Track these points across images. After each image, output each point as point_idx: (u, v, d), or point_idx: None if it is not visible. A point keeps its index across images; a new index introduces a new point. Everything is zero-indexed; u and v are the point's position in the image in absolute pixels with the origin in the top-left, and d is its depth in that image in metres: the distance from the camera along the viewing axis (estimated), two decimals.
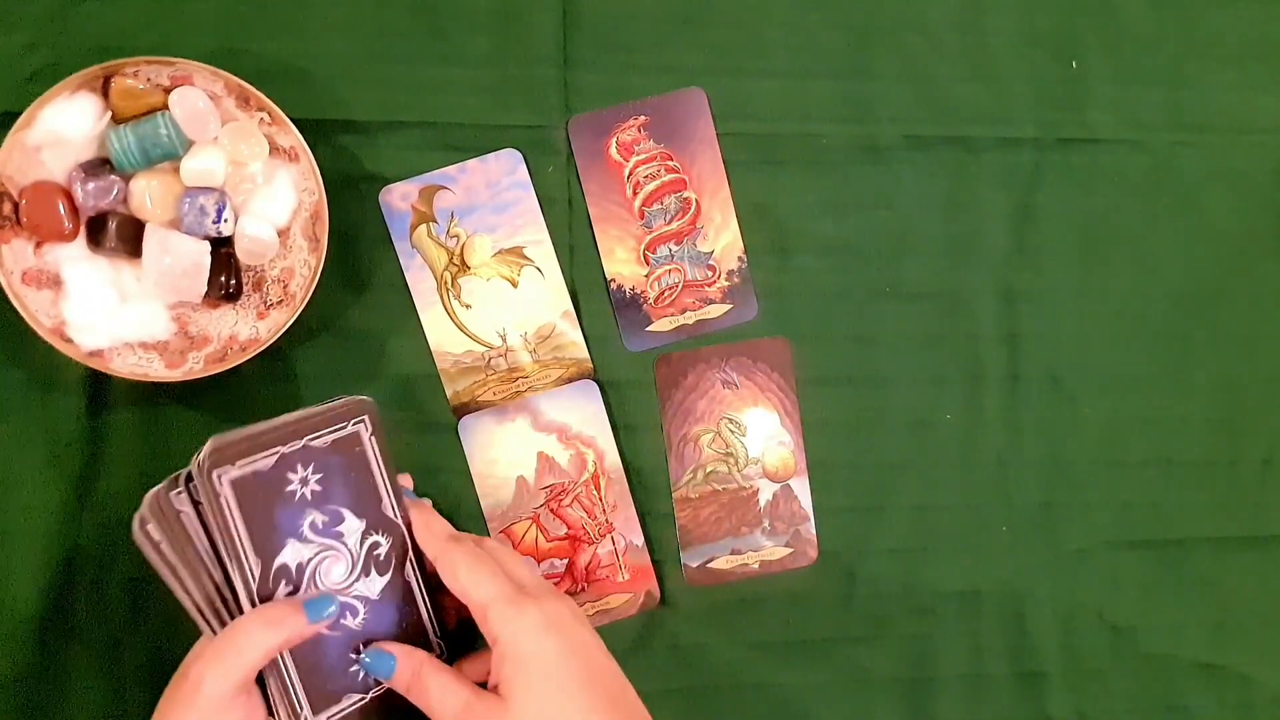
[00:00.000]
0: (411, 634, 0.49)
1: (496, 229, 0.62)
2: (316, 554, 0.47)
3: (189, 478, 0.45)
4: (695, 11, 0.64)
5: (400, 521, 0.50)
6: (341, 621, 0.48)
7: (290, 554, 0.46)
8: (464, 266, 0.62)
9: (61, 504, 0.58)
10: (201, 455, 0.44)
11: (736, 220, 0.64)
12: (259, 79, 0.56)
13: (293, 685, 0.46)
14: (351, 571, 0.48)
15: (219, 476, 0.44)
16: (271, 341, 0.56)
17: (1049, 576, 0.66)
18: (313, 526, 0.47)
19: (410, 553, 0.50)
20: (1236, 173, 0.68)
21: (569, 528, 0.62)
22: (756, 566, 0.63)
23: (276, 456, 0.46)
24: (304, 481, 0.47)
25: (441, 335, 0.61)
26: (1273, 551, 0.68)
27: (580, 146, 0.63)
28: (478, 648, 0.51)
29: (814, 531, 0.64)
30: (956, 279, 0.66)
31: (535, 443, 0.62)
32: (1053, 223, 0.66)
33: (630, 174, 0.63)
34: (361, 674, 0.48)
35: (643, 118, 0.63)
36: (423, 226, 0.61)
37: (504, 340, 0.62)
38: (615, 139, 0.63)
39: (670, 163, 0.63)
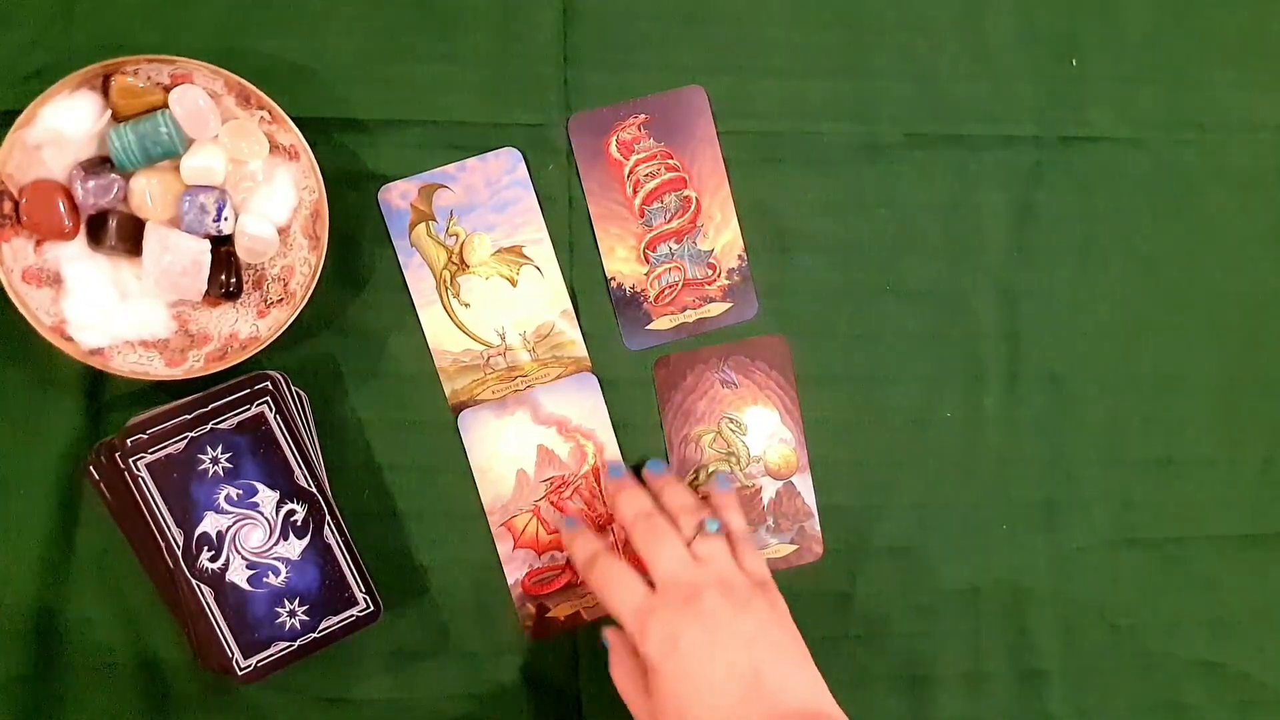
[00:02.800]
0: (335, 589, 0.57)
1: (495, 228, 0.62)
2: (234, 522, 0.55)
3: (109, 451, 0.54)
4: (695, 10, 0.64)
5: (316, 490, 0.56)
6: (265, 580, 0.55)
7: (209, 524, 0.54)
8: (463, 265, 0.61)
9: (61, 503, 0.57)
10: (118, 444, 0.53)
11: (737, 219, 0.64)
12: (259, 77, 0.56)
13: (223, 633, 0.55)
14: (270, 536, 0.55)
15: (136, 462, 0.53)
16: (272, 340, 0.56)
17: (1049, 574, 0.66)
18: (228, 499, 0.55)
19: (328, 516, 0.56)
20: (1237, 171, 0.68)
21: None
22: None
23: (186, 441, 0.54)
24: (215, 460, 0.54)
25: (440, 334, 0.61)
26: (1273, 550, 0.68)
27: (580, 145, 0.63)
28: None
29: (818, 527, 0.64)
30: (957, 277, 0.66)
31: (535, 436, 0.62)
32: (1053, 221, 0.66)
33: (630, 172, 0.63)
34: (288, 625, 0.55)
35: (643, 116, 0.63)
36: (422, 225, 0.61)
37: (503, 339, 0.62)
38: (615, 137, 0.63)
39: (670, 161, 0.63)
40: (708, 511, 0.58)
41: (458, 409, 0.61)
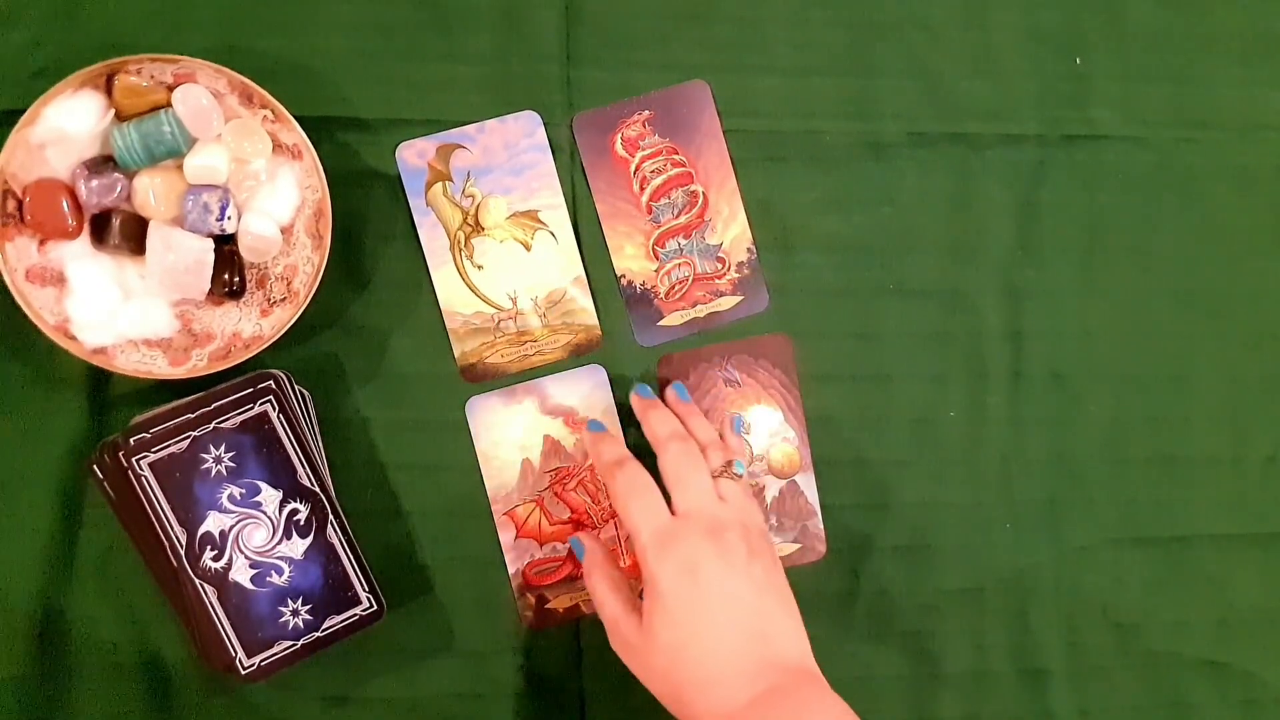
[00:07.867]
0: (337, 588, 0.56)
1: (512, 191, 0.62)
2: (237, 522, 0.55)
3: (113, 450, 0.54)
4: (698, 8, 0.64)
5: (319, 489, 0.56)
6: (268, 579, 0.55)
7: (212, 523, 0.54)
8: (478, 227, 0.61)
9: (63, 503, 0.57)
10: (121, 443, 0.53)
11: (745, 212, 0.64)
12: (262, 76, 0.56)
13: (225, 632, 0.54)
14: (273, 536, 0.55)
15: (139, 461, 0.53)
16: (275, 339, 0.56)
17: (1052, 573, 0.66)
18: (231, 498, 0.55)
19: (331, 516, 0.56)
20: (1241, 169, 0.68)
21: (573, 511, 0.62)
22: None
23: (189, 440, 0.54)
24: (218, 460, 0.54)
25: (452, 295, 0.61)
26: (1277, 549, 0.68)
27: (585, 143, 0.63)
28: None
29: (822, 526, 0.64)
30: (960, 276, 0.66)
31: (542, 425, 0.62)
32: (1056, 220, 0.66)
33: (636, 169, 0.63)
34: (292, 624, 0.55)
35: (647, 112, 0.63)
36: (438, 185, 0.61)
37: (514, 303, 0.62)
38: (620, 135, 0.63)
39: (676, 156, 0.63)
40: (732, 452, 0.58)
41: (466, 371, 0.61)
